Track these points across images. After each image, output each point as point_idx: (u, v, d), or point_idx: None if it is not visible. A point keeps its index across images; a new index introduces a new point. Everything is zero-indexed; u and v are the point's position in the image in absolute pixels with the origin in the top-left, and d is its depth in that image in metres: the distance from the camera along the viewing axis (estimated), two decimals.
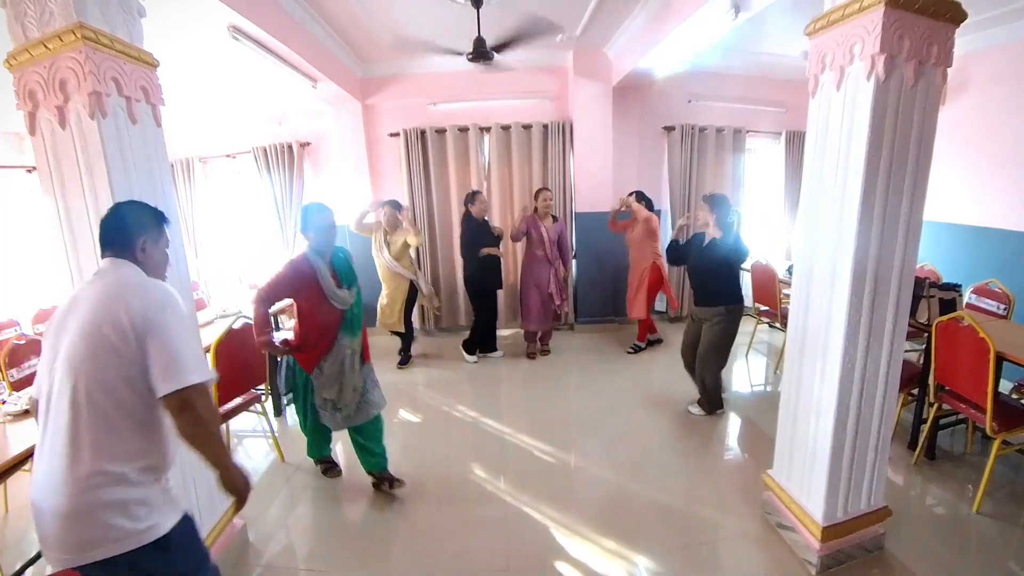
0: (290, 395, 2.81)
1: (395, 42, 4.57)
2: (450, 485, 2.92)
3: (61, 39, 1.62)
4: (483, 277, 4.59)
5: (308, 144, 5.67)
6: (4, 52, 1.72)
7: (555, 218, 4.69)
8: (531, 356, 4.87)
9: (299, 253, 2.54)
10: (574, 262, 5.62)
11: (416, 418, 3.75)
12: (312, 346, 2.58)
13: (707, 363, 3.44)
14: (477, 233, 4.47)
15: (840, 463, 2.08)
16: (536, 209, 4.56)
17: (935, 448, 2.96)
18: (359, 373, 2.68)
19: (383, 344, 5.04)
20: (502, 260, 4.76)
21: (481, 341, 4.90)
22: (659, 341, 5.05)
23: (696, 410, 3.61)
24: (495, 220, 5.43)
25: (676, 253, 3.69)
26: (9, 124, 5.16)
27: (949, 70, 1.86)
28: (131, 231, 1.47)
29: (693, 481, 2.89)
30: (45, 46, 1.64)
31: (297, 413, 2.84)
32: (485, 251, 4.42)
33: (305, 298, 2.50)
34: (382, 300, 4.62)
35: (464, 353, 4.87)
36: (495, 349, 4.99)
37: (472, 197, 4.52)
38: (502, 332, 5.68)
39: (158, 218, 1.55)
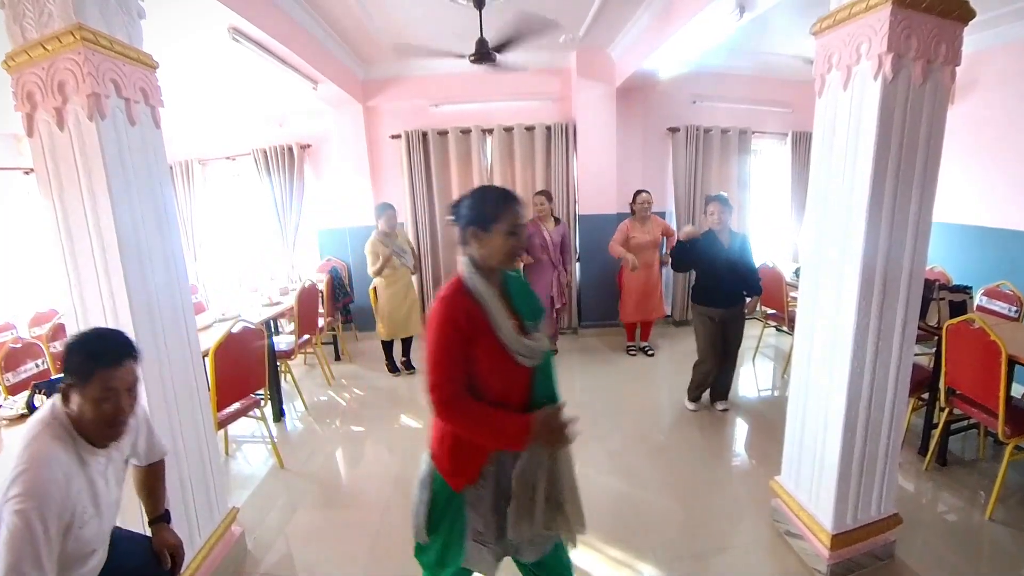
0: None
1: (397, 44, 4.59)
2: None
3: (60, 40, 1.63)
4: None
5: (308, 146, 5.69)
6: (2, 53, 1.72)
7: (557, 220, 4.68)
8: None
9: (448, 282, 1.51)
10: (577, 265, 5.63)
11: (417, 424, 3.74)
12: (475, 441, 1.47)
13: (737, 357, 3.61)
14: None
15: (849, 469, 2.07)
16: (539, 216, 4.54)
17: (946, 454, 2.94)
18: (569, 471, 1.61)
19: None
20: None
21: None
22: (647, 351, 5.02)
23: (724, 405, 3.70)
24: None
25: (686, 256, 3.49)
26: (7, 125, 5.19)
27: (958, 69, 1.86)
28: (63, 367, 1.31)
29: (700, 488, 2.87)
30: (44, 47, 1.64)
31: (428, 566, 1.61)
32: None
33: (476, 359, 1.42)
34: (400, 310, 4.47)
35: None
36: None
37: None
38: None
39: (92, 357, 1.29)
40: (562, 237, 4.65)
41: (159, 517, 1.69)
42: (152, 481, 1.67)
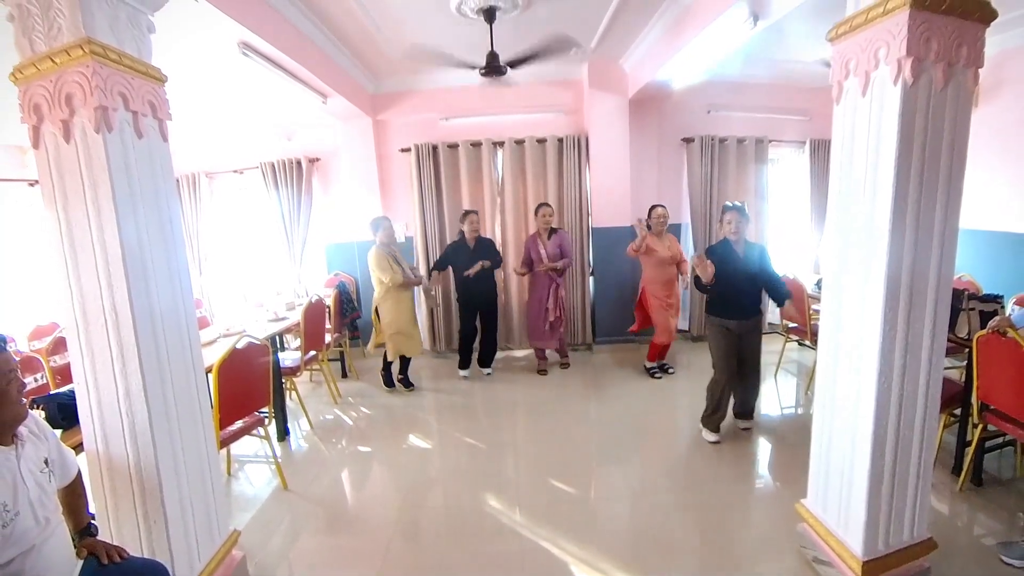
0: None
1: (407, 57, 4.66)
2: (462, 517, 2.88)
3: (68, 54, 1.67)
4: (461, 293, 4.89)
5: (317, 160, 5.79)
6: (10, 65, 1.77)
7: (554, 230, 4.74)
8: (541, 372, 5.01)
9: None
10: (591, 279, 5.62)
11: (426, 445, 3.72)
12: None
13: (759, 371, 3.54)
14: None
15: (879, 491, 2.01)
16: (539, 229, 4.71)
17: (981, 473, 2.85)
18: None
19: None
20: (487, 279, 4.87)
21: (464, 355, 5.02)
22: (667, 369, 4.86)
23: (747, 424, 3.65)
24: (508, 236, 5.51)
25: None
26: (12, 137, 5.35)
27: (981, 71, 1.85)
28: None
29: (722, 512, 2.81)
30: (52, 60, 1.69)
31: None
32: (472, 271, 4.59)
33: None
34: (409, 326, 4.51)
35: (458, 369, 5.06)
36: (483, 365, 5.10)
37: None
38: (515, 353, 5.69)
39: None
40: (559, 245, 4.70)
41: (85, 530, 1.80)
42: (73, 500, 1.78)
